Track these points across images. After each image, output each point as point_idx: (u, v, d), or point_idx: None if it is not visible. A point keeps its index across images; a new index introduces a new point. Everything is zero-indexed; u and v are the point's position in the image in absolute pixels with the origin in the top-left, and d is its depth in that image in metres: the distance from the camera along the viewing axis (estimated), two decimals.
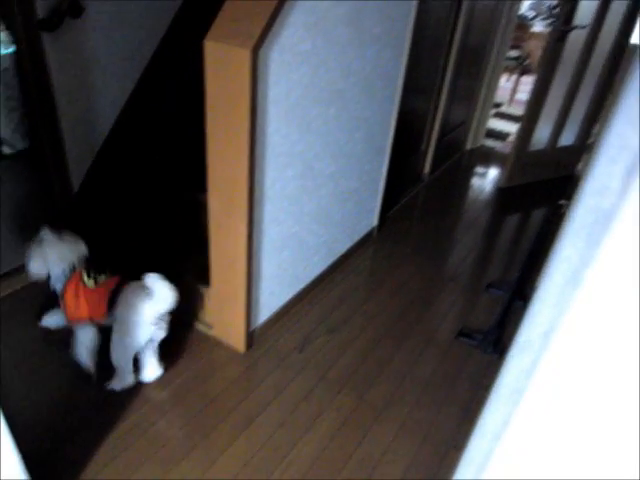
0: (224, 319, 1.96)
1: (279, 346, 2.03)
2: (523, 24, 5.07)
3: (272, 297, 2.04)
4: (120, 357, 1.69)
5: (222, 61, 1.44)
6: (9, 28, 1.87)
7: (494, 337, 2.09)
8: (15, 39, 1.92)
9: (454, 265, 2.69)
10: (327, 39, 1.71)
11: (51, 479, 1.48)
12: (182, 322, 2.09)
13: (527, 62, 5.15)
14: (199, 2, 2.47)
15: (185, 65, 2.48)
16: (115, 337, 1.66)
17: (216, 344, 2.01)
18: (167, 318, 1.70)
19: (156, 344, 1.77)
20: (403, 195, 3.30)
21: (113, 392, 1.75)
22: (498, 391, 0.70)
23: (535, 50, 5.01)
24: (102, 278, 1.72)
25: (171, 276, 2.05)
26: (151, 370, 1.80)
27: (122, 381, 1.74)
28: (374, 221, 2.81)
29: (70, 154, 2.26)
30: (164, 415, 1.71)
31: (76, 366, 1.80)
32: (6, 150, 3.26)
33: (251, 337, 1.98)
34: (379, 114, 2.35)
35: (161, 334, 1.72)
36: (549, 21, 5.11)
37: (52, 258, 1.67)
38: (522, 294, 2.15)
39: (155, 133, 2.50)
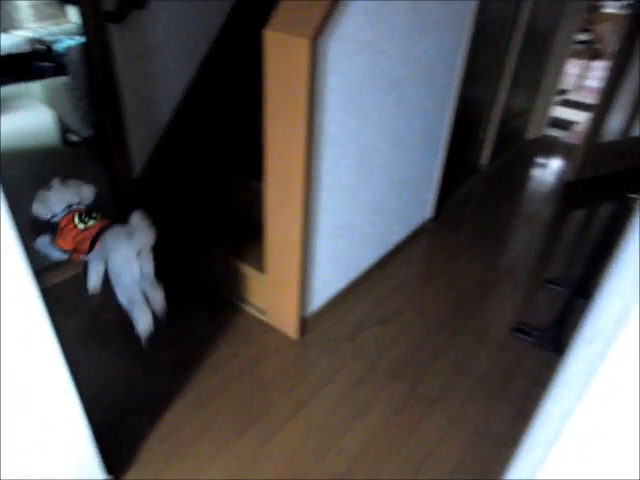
0: (277, 306, 1.99)
1: (331, 334, 2.04)
2: (594, 5, 4.79)
3: (325, 285, 2.06)
4: (122, 295, 1.81)
5: (281, 50, 1.45)
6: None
7: (552, 334, 2.01)
8: (84, 31, 2.01)
9: (511, 259, 2.61)
10: (388, 26, 1.69)
11: (116, 449, 1.57)
12: (236, 307, 2.15)
13: (597, 46, 4.88)
14: None
15: (243, 54, 2.52)
16: (110, 278, 1.80)
17: (269, 330, 2.05)
18: (150, 252, 1.84)
19: (154, 279, 1.88)
20: (459, 186, 3.22)
21: (148, 339, 1.88)
22: (564, 376, 0.70)
23: (606, 33, 4.74)
24: (91, 222, 1.95)
25: (226, 262, 2.11)
26: (158, 304, 1.93)
27: (140, 321, 1.85)
28: (429, 212, 2.77)
29: (132, 141, 2.35)
30: (219, 396, 1.76)
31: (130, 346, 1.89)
32: (72, 138, 3.45)
33: (304, 324, 2.01)
34: (438, 102, 2.30)
35: (150, 266, 1.85)
36: (623, 2, 4.80)
37: (53, 200, 1.96)
38: (584, 291, 2.05)
39: (214, 121, 2.57)
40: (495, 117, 3.31)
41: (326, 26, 1.42)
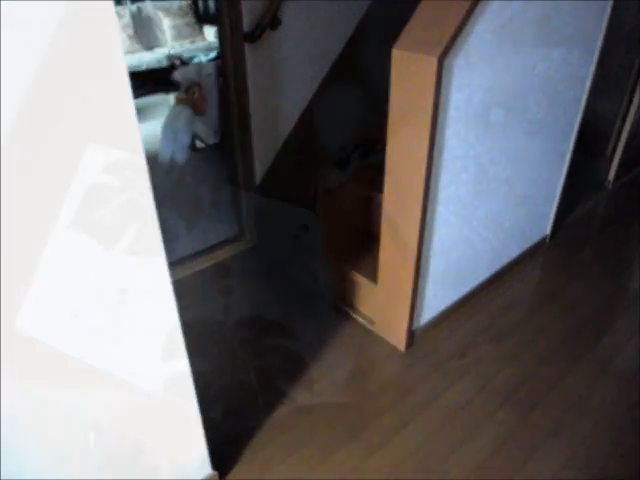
0: (387, 316, 2.00)
1: (439, 349, 2.01)
2: None
3: (436, 299, 2.03)
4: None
5: (408, 68, 1.47)
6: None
7: None
8: (221, 49, 2.18)
9: None
10: (513, 43, 1.65)
11: (222, 446, 1.59)
12: (345, 315, 2.19)
13: None
14: (379, 15, 2.56)
15: (365, 70, 2.58)
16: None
17: (377, 340, 2.06)
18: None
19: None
20: (582, 203, 3.01)
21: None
22: None
23: None
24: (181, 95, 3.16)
25: (339, 270, 2.16)
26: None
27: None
28: (547, 229, 2.62)
29: (256, 150, 2.48)
30: (325, 402, 1.79)
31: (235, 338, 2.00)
32: (199, 144, 3.74)
33: (412, 337, 2.00)
34: (561, 117, 2.19)
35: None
36: None
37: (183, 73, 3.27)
38: None
39: (334, 133, 2.64)
40: (626, 130, 3.06)
41: (453, 45, 1.42)
